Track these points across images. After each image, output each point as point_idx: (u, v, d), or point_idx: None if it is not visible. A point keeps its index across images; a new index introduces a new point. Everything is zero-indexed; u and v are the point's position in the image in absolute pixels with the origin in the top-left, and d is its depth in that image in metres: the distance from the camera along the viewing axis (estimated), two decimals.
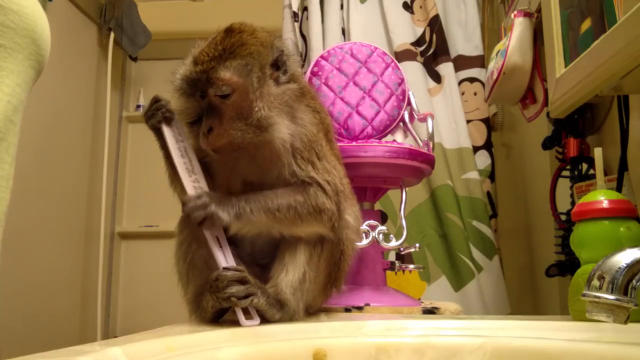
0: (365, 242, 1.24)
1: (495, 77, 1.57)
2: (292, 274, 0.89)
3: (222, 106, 0.86)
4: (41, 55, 0.73)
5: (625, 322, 0.55)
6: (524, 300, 1.95)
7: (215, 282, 0.83)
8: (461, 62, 2.10)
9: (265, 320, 0.85)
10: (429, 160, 1.32)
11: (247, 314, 0.83)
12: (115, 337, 2.49)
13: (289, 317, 0.88)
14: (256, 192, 0.88)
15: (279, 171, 0.90)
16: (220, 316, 0.89)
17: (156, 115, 0.90)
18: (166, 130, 0.90)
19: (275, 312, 0.86)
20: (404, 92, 1.45)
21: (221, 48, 0.86)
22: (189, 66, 0.88)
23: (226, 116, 0.86)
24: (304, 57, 2.12)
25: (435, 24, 2.09)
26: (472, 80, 2.08)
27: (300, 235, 0.90)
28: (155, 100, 0.92)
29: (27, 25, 0.69)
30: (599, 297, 0.55)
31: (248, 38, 0.88)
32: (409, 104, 1.45)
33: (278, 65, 0.91)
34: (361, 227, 1.19)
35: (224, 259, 0.85)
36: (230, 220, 0.85)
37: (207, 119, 0.86)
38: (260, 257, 0.96)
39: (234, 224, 0.86)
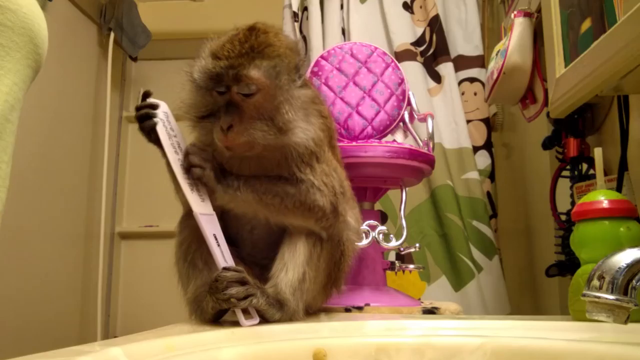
0: (365, 242, 1.24)
1: (495, 77, 1.57)
2: (291, 274, 0.89)
3: (243, 104, 0.85)
4: (39, 54, 0.73)
5: (625, 322, 0.55)
6: (524, 300, 1.95)
7: (214, 283, 0.83)
8: (461, 62, 2.10)
9: (265, 320, 0.85)
10: (429, 160, 1.32)
11: (247, 313, 0.83)
12: (115, 337, 2.49)
13: (288, 317, 0.88)
14: (252, 175, 0.89)
15: (286, 172, 0.90)
16: (220, 316, 0.89)
17: (149, 120, 0.90)
18: (159, 129, 0.89)
19: (275, 312, 0.86)
20: (404, 92, 1.45)
21: (248, 46, 0.85)
22: (210, 60, 0.85)
23: (246, 115, 0.85)
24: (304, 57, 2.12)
25: (435, 24, 2.09)
26: (472, 80, 2.08)
27: (294, 226, 0.91)
28: (145, 95, 0.92)
29: (24, 24, 0.69)
30: (599, 297, 0.55)
31: (274, 40, 0.88)
32: (409, 104, 1.45)
33: (297, 68, 0.91)
34: (361, 228, 1.19)
35: (223, 258, 0.85)
36: (217, 187, 0.87)
37: (227, 116, 0.85)
38: (261, 258, 0.96)
39: (221, 194, 0.87)
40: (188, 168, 0.87)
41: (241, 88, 0.84)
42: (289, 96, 0.87)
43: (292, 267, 0.89)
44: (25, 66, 0.70)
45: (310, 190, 0.89)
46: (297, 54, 0.91)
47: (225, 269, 0.83)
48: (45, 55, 0.74)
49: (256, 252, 0.97)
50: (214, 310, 0.85)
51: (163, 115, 0.92)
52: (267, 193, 0.88)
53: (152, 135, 0.91)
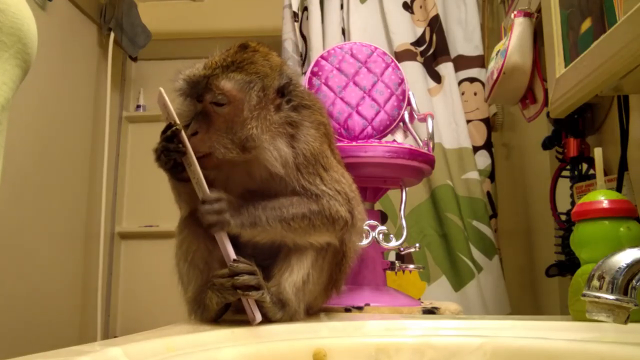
0: (365, 242, 1.24)
1: (495, 77, 1.57)
2: (296, 275, 0.89)
3: (214, 115, 0.86)
4: (28, 54, 0.73)
5: (626, 322, 0.55)
6: (524, 300, 1.95)
7: (222, 279, 0.83)
8: (461, 62, 2.10)
9: (266, 319, 0.85)
10: (429, 160, 1.32)
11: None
12: (115, 337, 2.49)
13: (289, 316, 0.88)
14: (271, 200, 0.88)
15: (283, 184, 0.90)
16: (221, 315, 0.89)
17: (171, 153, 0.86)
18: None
19: (277, 310, 0.86)
20: (404, 92, 1.45)
21: (230, 60, 0.87)
22: (194, 69, 0.88)
23: (215, 125, 0.86)
24: (304, 57, 2.12)
25: (435, 24, 2.09)
26: (472, 80, 2.08)
27: (312, 243, 0.90)
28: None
29: (13, 24, 0.69)
30: (599, 297, 0.55)
31: (259, 59, 0.89)
32: (409, 104, 1.45)
33: (283, 92, 0.90)
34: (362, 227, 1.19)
35: (233, 251, 0.85)
36: (241, 228, 0.85)
37: (195, 123, 0.86)
38: (262, 259, 0.95)
39: (249, 231, 0.86)
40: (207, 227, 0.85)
41: (212, 97, 0.85)
42: (259, 114, 0.86)
43: (297, 268, 0.90)
44: (13, 66, 0.70)
45: (330, 202, 0.89)
46: (282, 75, 0.90)
47: (235, 260, 0.83)
48: (34, 55, 0.74)
49: (258, 253, 0.96)
50: (219, 305, 0.85)
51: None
52: (295, 218, 0.87)
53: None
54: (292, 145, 0.89)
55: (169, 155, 0.85)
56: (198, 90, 0.87)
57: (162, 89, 0.86)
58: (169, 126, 0.85)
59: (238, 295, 0.83)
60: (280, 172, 0.88)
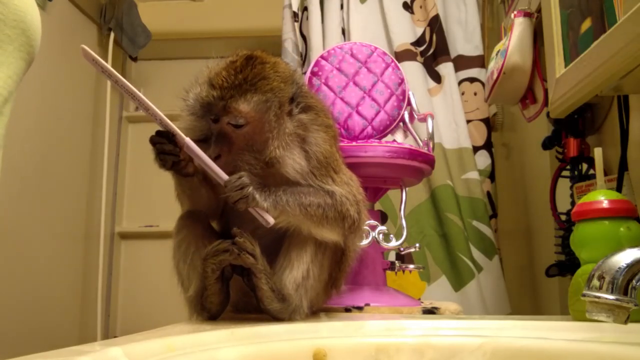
0: (365, 242, 1.24)
1: (495, 77, 1.57)
2: (296, 271, 0.90)
3: (233, 135, 0.86)
4: (31, 46, 0.73)
5: (625, 322, 0.55)
6: (524, 300, 1.95)
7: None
8: (461, 62, 2.10)
9: (263, 305, 0.86)
10: (429, 160, 1.32)
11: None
12: (115, 337, 2.49)
13: (289, 312, 0.88)
14: (290, 186, 0.89)
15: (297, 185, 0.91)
16: (222, 308, 0.89)
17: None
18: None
19: (274, 299, 0.87)
20: (404, 92, 1.44)
21: (242, 77, 0.86)
22: (205, 88, 0.87)
23: (236, 145, 0.87)
24: (304, 57, 2.12)
25: (435, 24, 2.09)
26: (472, 80, 2.08)
27: (322, 237, 0.91)
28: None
29: (16, 17, 0.69)
30: (599, 297, 0.55)
31: (270, 72, 0.88)
32: (409, 104, 1.45)
33: (293, 98, 0.91)
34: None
35: (221, 171, 0.84)
36: (267, 206, 0.85)
37: (216, 146, 0.86)
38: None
39: (271, 212, 0.86)
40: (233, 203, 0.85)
41: (230, 119, 0.85)
42: (280, 130, 0.87)
43: (297, 264, 0.90)
44: (18, 59, 0.70)
45: (342, 199, 0.91)
46: (293, 84, 0.91)
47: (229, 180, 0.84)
48: (38, 47, 0.74)
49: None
50: (215, 273, 0.86)
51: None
52: (312, 204, 0.88)
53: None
54: (304, 149, 0.90)
55: (165, 158, 0.86)
56: (213, 112, 0.86)
57: (84, 46, 0.82)
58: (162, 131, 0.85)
59: (234, 254, 0.83)
60: (297, 180, 0.89)
